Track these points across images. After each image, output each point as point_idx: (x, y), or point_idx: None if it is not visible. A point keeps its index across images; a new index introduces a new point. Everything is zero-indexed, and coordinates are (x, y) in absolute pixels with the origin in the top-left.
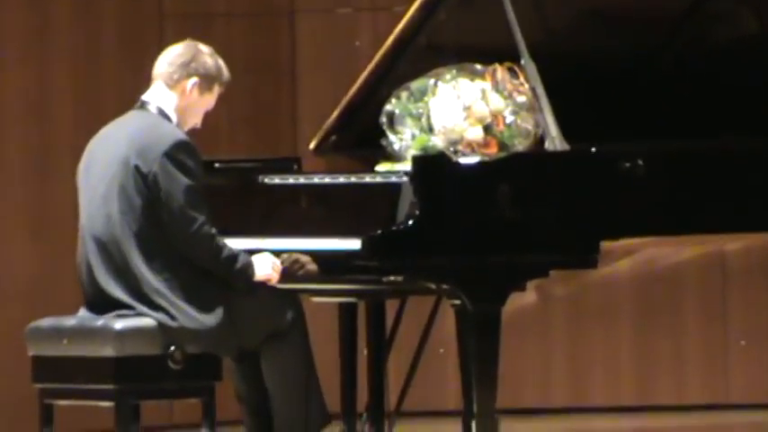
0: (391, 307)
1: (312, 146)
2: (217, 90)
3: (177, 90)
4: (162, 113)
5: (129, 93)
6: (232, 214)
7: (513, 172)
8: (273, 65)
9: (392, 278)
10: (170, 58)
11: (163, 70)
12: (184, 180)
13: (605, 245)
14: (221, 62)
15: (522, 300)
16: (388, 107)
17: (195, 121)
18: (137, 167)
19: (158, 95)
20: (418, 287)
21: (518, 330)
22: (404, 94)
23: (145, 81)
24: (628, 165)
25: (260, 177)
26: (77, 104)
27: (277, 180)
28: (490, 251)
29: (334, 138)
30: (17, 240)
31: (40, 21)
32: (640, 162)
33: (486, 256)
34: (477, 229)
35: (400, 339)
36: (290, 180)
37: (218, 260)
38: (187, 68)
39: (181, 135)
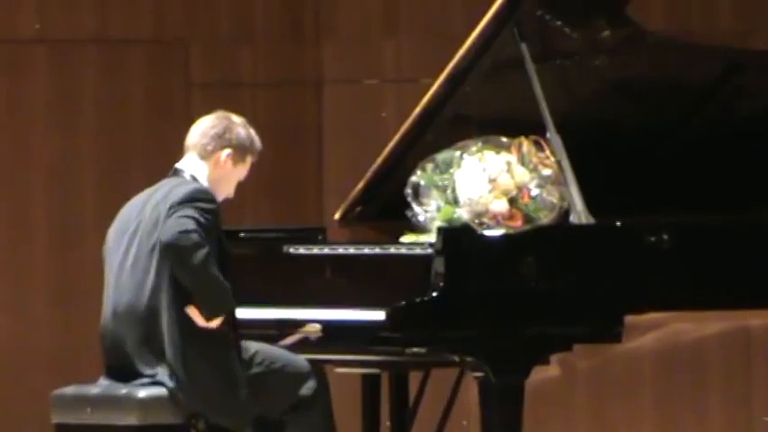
0: (414, 378)
1: (337, 216)
2: (249, 160)
3: (211, 161)
4: (195, 181)
5: (155, 161)
6: (256, 284)
7: (537, 245)
8: (300, 134)
9: (416, 350)
10: (203, 130)
11: (196, 141)
12: (192, 212)
13: (629, 319)
14: (253, 132)
15: (546, 373)
16: (413, 178)
17: (228, 191)
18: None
19: (192, 165)
20: (442, 359)
21: (541, 404)
22: (429, 166)
23: (172, 149)
24: (653, 238)
25: (285, 247)
26: (102, 173)
27: (302, 250)
28: (514, 324)
29: (359, 208)
30: (40, 308)
31: (66, 88)
32: (666, 236)
33: (511, 330)
34: (502, 301)
35: (423, 411)
36: (315, 250)
37: (201, 275)
38: (221, 140)
39: (204, 186)
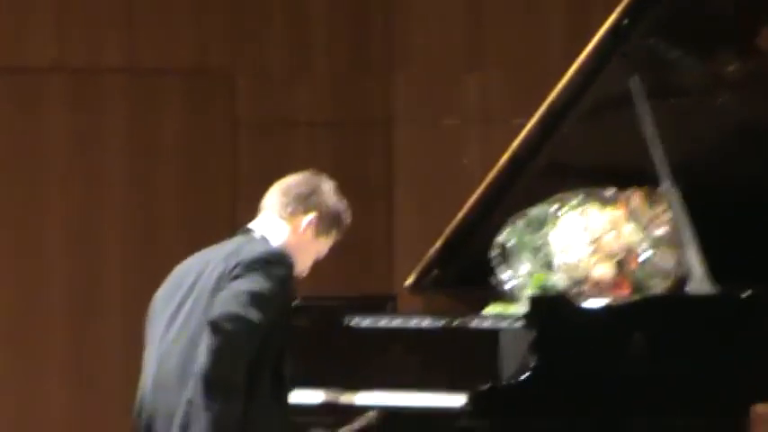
0: None
1: (409, 282)
2: (334, 235)
3: (289, 224)
4: (266, 241)
5: (193, 214)
6: (313, 362)
7: (648, 319)
8: (366, 184)
9: None
10: (285, 188)
11: (275, 201)
12: (258, 281)
13: (759, 409)
14: (344, 203)
15: None
16: (500, 238)
17: (303, 266)
18: (217, 288)
19: (266, 224)
20: None
21: None
22: (520, 223)
23: (212, 200)
24: None
25: (347, 319)
26: (130, 229)
27: (367, 322)
28: (617, 413)
29: (435, 272)
30: (53, 389)
31: (89, 126)
32: None
33: (612, 419)
34: (605, 386)
35: None
36: (383, 323)
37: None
38: (306, 202)
39: (280, 248)
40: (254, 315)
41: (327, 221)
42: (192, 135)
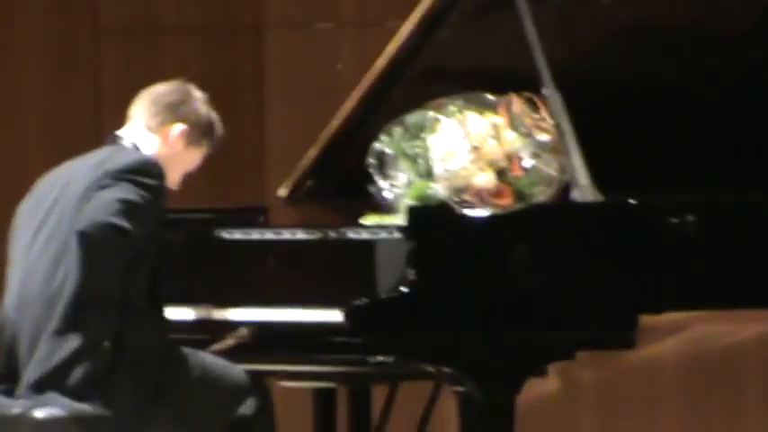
0: (379, 394)
1: (283, 192)
2: (205, 147)
3: (159, 136)
4: (137, 149)
5: (56, 126)
6: (182, 277)
7: (531, 227)
8: (236, 92)
9: (380, 358)
10: (154, 97)
11: (143, 110)
12: (129, 190)
13: (645, 320)
14: (215, 114)
15: (543, 387)
16: (377, 146)
17: (174, 178)
18: (87, 196)
19: (135, 133)
20: (412, 370)
21: (537, 425)
22: (397, 131)
23: (75, 112)
24: (675, 221)
25: (218, 231)
26: None
27: (238, 235)
28: (502, 326)
29: (309, 183)
30: None
31: None
32: (691, 217)
33: (498, 333)
34: (487, 298)
35: None
36: (255, 235)
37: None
38: (175, 111)
39: (152, 157)
40: (125, 224)
41: (198, 131)
42: (53, 44)
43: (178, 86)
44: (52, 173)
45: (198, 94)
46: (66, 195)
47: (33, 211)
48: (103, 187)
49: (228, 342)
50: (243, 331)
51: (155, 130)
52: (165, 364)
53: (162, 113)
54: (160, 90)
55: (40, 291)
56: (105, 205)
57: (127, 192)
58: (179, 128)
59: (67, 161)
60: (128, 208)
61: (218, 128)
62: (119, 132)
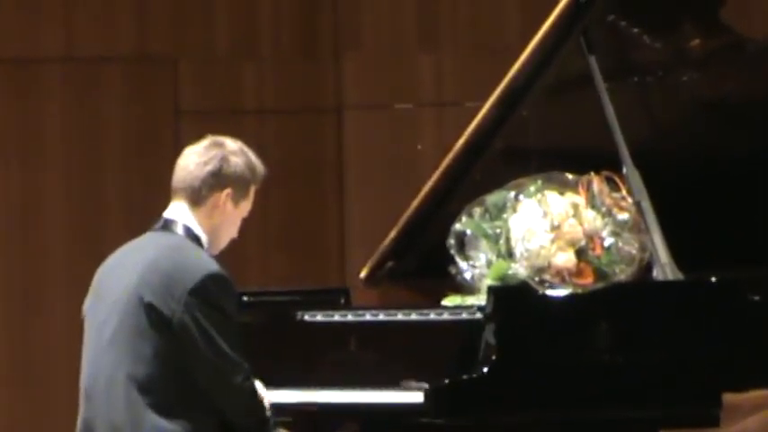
0: None
1: (363, 274)
2: (253, 192)
3: (206, 208)
4: (190, 234)
5: (136, 205)
6: (263, 359)
7: (612, 306)
8: (316, 172)
9: None
10: (193, 168)
11: (186, 184)
12: (219, 323)
13: (729, 398)
14: (253, 156)
15: None
16: (457, 226)
17: (231, 234)
18: (151, 306)
19: (184, 214)
20: None
21: None
22: (477, 211)
23: (155, 191)
24: (757, 298)
25: (299, 314)
26: (72, 218)
27: (320, 317)
28: (585, 405)
29: (390, 264)
30: None
31: (27, 115)
32: None
33: (580, 412)
34: (569, 377)
35: None
36: (336, 317)
37: (254, 419)
38: (217, 179)
39: (212, 266)
40: (236, 357)
41: (243, 186)
42: (134, 125)
43: (212, 148)
44: (109, 265)
45: (232, 147)
46: (128, 295)
47: (94, 307)
48: (183, 318)
49: None
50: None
51: (201, 203)
52: None
53: (205, 187)
54: (196, 159)
55: (108, 387)
56: (215, 358)
57: (217, 321)
58: (225, 193)
59: (122, 249)
60: (227, 342)
61: (260, 168)
62: (167, 216)
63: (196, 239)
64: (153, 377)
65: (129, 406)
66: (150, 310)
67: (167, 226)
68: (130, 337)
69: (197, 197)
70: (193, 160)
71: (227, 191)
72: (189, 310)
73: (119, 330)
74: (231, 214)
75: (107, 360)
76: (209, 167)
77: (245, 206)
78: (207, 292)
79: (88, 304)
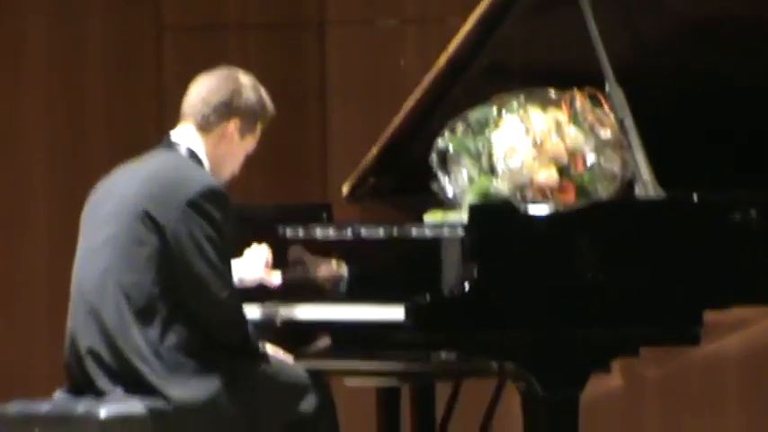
0: (442, 391)
1: (345, 190)
2: (259, 129)
3: (214, 134)
4: (193, 156)
5: (119, 124)
6: None
7: (594, 224)
8: (297, 89)
9: (443, 356)
10: (204, 94)
11: (196, 109)
12: (212, 237)
13: (710, 316)
14: (264, 94)
15: (606, 384)
16: (439, 143)
17: (234, 168)
18: (147, 214)
19: (189, 138)
20: (476, 367)
21: (600, 421)
22: (460, 127)
23: (139, 110)
24: (739, 216)
25: (281, 229)
26: (54, 139)
27: (302, 233)
28: (566, 323)
29: (372, 180)
30: None
31: (7, 35)
32: (754, 212)
33: (561, 329)
34: (550, 294)
35: (454, 431)
36: (318, 233)
37: (238, 335)
38: (227, 109)
39: (212, 181)
40: (224, 272)
41: (251, 120)
42: (116, 42)
43: (226, 79)
44: (111, 176)
45: (245, 81)
46: (119, 200)
47: (90, 216)
48: (178, 228)
49: (319, 346)
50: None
51: (208, 129)
52: (237, 357)
53: (214, 113)
54: (209, 86)
55: (95, 291)
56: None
57: (210, 236)
58: (233, 123)
59: (121, 166)
60: (219, 256)
61: (270, 107)
62: (173, 137)
63: (198, 161)
64: (142, 286)
65: (117, 313)
66: (146, 217)
67: (171, 145)
68: (124, 242)
69: (205, 123)
70: (206, 86)
71: (235, 121)
72: (184, 221)
73: (114, 235)
74: (236, 146)
75: (98, 264)
76: (221, 96)
77: (251, 142)
78: (204, 205)
79: (86, 210)
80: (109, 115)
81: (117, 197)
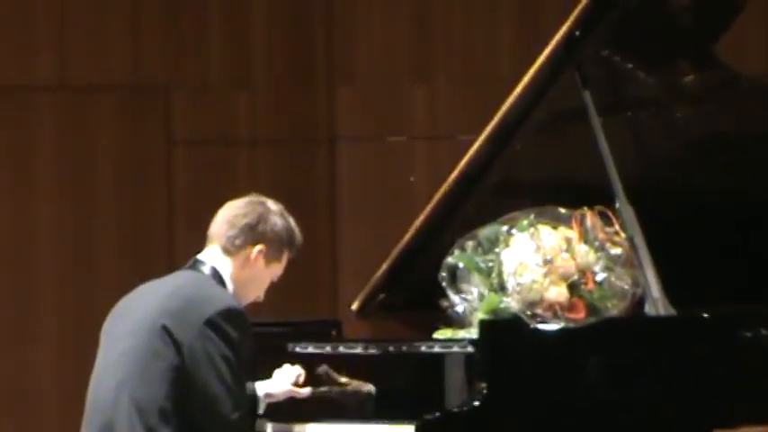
0: None
1: (355, 307)
2: (286, 258)
3: (239, 258)
4: (216, 276)
5: (129, 238)
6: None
7: (605, 342)
8: (309, 204)
9: None
10: (231, 218)
11: (222, 232)
12: (227, 357)
13: None
14: (293, 223)
15: None
16: (449, 260)
17: (257, 293)
18: (166, 329)
19: (215, 258)
20: None
21: None
22: (470, 245)
23: (147, 222)
24: (749, 334)
25: (291, 345)
26: (63, 251)
27: (311, 349)
28: None
29: (381, 296)
30: None
31: (19, 144)
32: (765, 330)
33: None
34: (559, 412)
35: None
36: (328, 349)
37: None
38: (252, 233)
39: (231, 301)
40: (237, 393)
41: (277, 247)
42: (126, 155)
43: (254, 204)
44: (135, 291)
45: (273, 207)
46: (138, 317)
47: (107, 333)
48: (194, 347)
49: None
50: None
51: (234, 253)
52: None
53: (240, 236)
54: (237, 210)
55: (109, 406)
56: (218, 393)
57: (227, 356)
58: (258, 249)
59: (145, 283)
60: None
61: (298, 236)
62: (199, 257)
63: (221, 281)
64: (154, 400)
65: (130, 427)
66: (164, 332)
67: (196, 265)
68: (141, 355)
69: (230, 246)
70: (233, 210)
71: (260, 247)
72: (201, 339)
73: (132, 347)
74: (261, 272)
75: (113, 377)
76: (247, 220)
77: (277, 269)
78: (221, 324)
79: (106, 325)
80: (119, 226)
81: (137, 311)
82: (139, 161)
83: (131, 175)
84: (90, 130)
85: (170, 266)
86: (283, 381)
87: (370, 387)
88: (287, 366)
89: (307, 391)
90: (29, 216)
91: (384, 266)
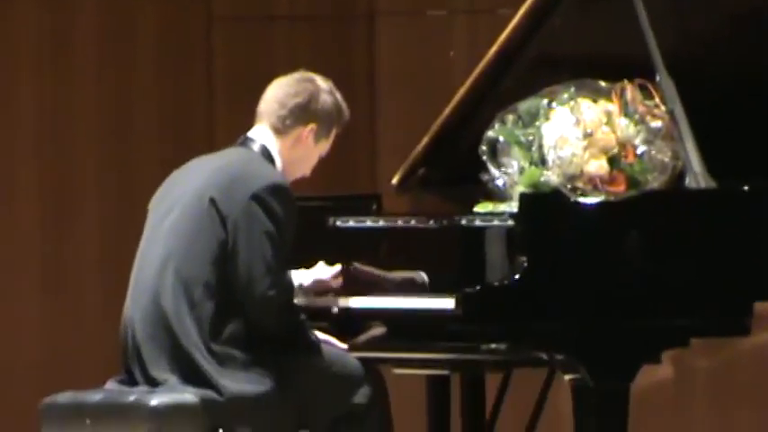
0: (492, 382)
1: (395, 181)
2: (334, 133)
3: (289, 138)
4: (265, 154)
5: (168, 114)
6: (297, 265)
7: (645, 215)
8: (348, 80)
9: (493, 346)
10: (282, 97)
11: (272, 110)
12: (271, 233)
13: (760, 307)
14: (341, 98)
15: (656, 374)
16: (490, 134)
17: (305, 170)
18: (213, 202)
19: (265, 136)
20: (526, 357)
21: (650, 412)
22: (510, 118)
23: (186, 98)
24: None
25: (331, 219)
26: (103, 129)
27: (352, 223)
28: (615, 313)
29: (422, 171)
30: (26, 297)
31: (58, 24)
32: None
33: (611, 320)
34: (600, 285)
35: (503, 422)
36: (368, 223)
37: (284, 331)
38: (304, 113)
39: (278, 178)
40: (277, 270)
41: (327, 125)
42: (166, 32)
43: (304, 82)
44: (184, 167)
45: (323, 85)
46: (186, 190)
47: (157, 207)
48: (238, 219)
49: (373, 334)
50: (382, 329)
51: (284, 133)
52: (289, 350)
53: (291, 116)
54: (287, 89)
55: (156, 279)
56: (261, 262)
57: (268, 229)
58: (309, 128)
59: (195, 159)
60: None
61: (346, 112)
62: (249, 134)
63: (270, 159)
64: (198, 276)
65: (174, 300)
66: (211, 205)
67: (246, 143)
68: (187, 229)
69: (281, 126)
70: (283, 89)
71: (312, 126)
72: (246, 214)
73: (179, 220)
74: (311, 150)
75: (159, 250)
76: (298, 100)
77: (324, 146)
78: (267, 200)
79: (154, 200)
80: (160, 105)
81: (185, 185)
82: (179, 38)
83: (171, 51)
84: (130, 6)
85: (210, 145)
86: (320, 274)
87: (422, 276)
88: (321, 264)
89: (338, 282)
90: (69, 97)
91: (424, 141)
